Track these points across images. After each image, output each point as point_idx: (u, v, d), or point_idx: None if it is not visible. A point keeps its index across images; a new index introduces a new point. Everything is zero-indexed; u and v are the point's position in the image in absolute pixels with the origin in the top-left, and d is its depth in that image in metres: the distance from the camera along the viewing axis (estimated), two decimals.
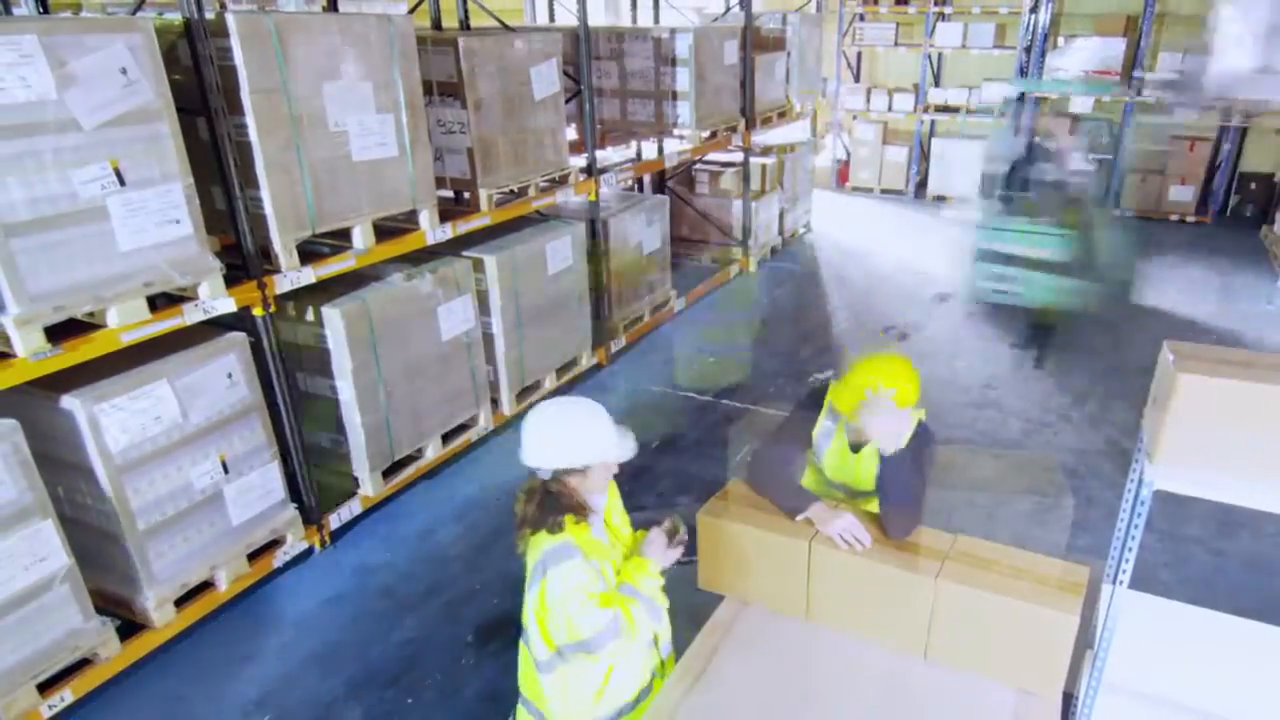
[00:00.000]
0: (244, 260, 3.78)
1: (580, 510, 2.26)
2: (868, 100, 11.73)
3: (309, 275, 4.02)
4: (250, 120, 3.66)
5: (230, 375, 3.70)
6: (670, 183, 8.92)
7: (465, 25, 6.11)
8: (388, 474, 4.70)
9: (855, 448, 2.79)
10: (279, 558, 4.15)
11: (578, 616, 2.17)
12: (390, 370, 4.49)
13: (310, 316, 4.25)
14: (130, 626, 3.60)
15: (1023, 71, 10.60)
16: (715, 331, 7.25)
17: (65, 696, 3.30)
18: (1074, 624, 2.39)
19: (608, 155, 7.19)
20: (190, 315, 3.50)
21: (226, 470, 3.76)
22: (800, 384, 6.19)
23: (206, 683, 3.59)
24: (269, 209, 3.81)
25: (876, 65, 12.59)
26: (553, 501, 2.23)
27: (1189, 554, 4.14)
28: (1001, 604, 2.46)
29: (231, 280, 3.67)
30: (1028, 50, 10.51)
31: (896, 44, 11.59)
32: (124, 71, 3.09)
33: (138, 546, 3.47)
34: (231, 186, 3.68)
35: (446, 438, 5.05)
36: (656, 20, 8.87)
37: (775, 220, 9.22)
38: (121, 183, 3.15)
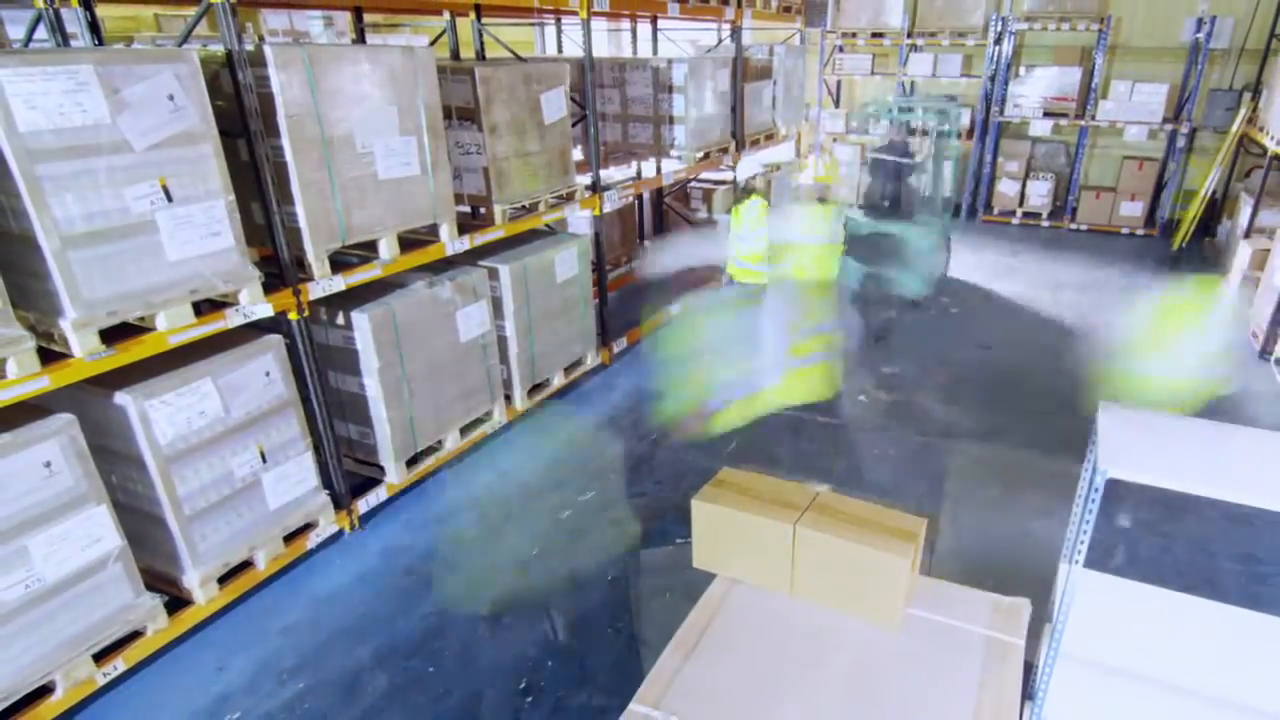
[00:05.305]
0: (280, 269, 3.79)
1: None
2: (847, 124, 11.74)
3: (339, 283, 4.02)
4: (286, 142, 3.66)
5: (268, 374, 3.71)
6: (667, 199, 8.93)
7: (481, 56, 6.12)
8: (411, 463, 4.70)
9: None
10: (312, 540, 4.16)
11: None
12: (413, 369, 4.50)
13: (341, 320, 4.26)
14: (177, 602, 3.61)
15: (988, 98, 10.62)
16: (709, 333, 7.24)
17: (118, 665, 3.32)
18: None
19: (610, 174, 7.19)
20: (232, 319, 3.51)
21: (264, 460, 3.77)
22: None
23: (246, 653, 3.59)
24: (303, 223, 3.81)
25: (855, 92, 12.59)
26: None
27: (1139, 536, 4.15)
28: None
29: (269, 287, 3.68)
30: (992, 79, 10.53)
31: (873, 73, 11.60)
32: (171, 98, 3.10)
33: (184, 530, 3.48)
34: (269, 202, 3.68)
35: (464, 430, 5.05)
36: (655, 51, 8.86)
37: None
38: (169, 199, 3.16)
